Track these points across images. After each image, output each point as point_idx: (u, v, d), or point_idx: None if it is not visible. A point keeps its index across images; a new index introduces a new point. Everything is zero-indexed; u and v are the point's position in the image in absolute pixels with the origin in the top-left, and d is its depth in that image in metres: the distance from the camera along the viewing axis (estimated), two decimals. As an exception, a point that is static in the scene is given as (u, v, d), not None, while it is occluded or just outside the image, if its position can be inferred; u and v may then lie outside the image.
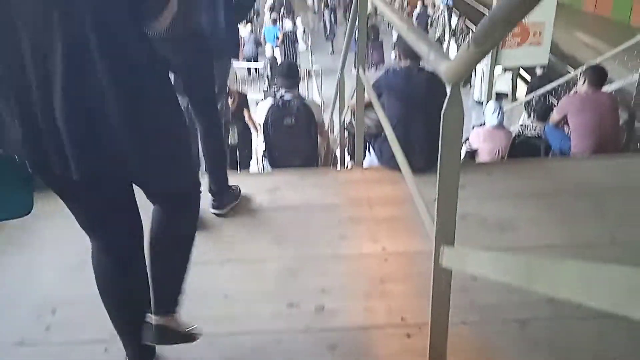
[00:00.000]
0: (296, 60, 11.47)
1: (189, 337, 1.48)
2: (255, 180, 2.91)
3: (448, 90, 1.07)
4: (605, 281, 0.50)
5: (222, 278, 2.03)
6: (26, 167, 1.29)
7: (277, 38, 11.74)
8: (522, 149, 3.99)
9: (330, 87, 8.59)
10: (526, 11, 0.71)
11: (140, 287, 1.45)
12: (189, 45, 2.04)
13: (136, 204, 1.44)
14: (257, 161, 3.74)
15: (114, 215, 1.39)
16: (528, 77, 9.16)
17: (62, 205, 2.61)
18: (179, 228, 1.47)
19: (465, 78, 1.05)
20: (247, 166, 4.86)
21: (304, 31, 13.34)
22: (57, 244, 2.25)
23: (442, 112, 1.08)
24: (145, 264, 1.45)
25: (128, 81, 1.18)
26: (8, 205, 1.92)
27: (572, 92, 4.23)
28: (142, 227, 1.47)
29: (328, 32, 13.92)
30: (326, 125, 3.95)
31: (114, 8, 1.15)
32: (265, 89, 9.86)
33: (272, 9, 14.32)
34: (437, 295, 1.40)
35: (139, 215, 1.46)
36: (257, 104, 8.80)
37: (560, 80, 6.00)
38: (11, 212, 2.01)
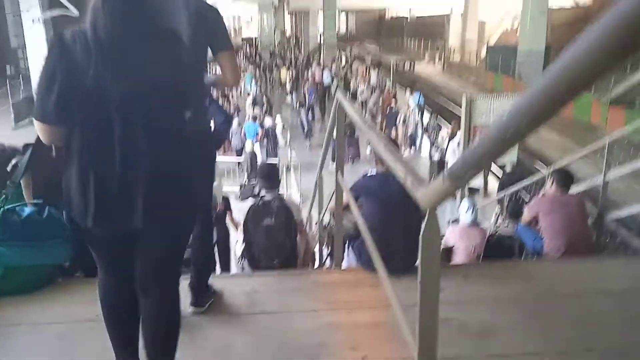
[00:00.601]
0: (276, 155, 11.75)
1: None
2: (234, 282, 2.88)
3: (425, 214, 1.13)
4: None
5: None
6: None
7: (257, 134, 12.10)
8: (496, 248, 4.07)
9: (309, 181, 8.78)
10: (494, 158, 0.78)
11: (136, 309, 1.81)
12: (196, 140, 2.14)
13: None
14: (236, 261, 3.72)
15: (128, 261, 1.76)
16: (499, 172, 9.51)
17: (27, 312, 2.56)
18: (167, 313, 1.83)
19: (440, 205, 1.12)
20: (227, 265, 4.82)
21: (284, 127, 13.79)
22: (26, 354, 2.16)
23: (421, 235, 1.13)
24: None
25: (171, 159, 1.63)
26: (56, 253, 2.60)
27: (541, 194, 4.41)
28: None
29: (306, 129, 14.38)
30: (305, 223, 4.00)
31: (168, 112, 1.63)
32: (243, 183, 9.99)
33: (253, 105, 14.86)
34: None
35: None
36: (234, 197, 8.92)
37: (530, 180, 6.27)
38: (57, 259, 2.65)
